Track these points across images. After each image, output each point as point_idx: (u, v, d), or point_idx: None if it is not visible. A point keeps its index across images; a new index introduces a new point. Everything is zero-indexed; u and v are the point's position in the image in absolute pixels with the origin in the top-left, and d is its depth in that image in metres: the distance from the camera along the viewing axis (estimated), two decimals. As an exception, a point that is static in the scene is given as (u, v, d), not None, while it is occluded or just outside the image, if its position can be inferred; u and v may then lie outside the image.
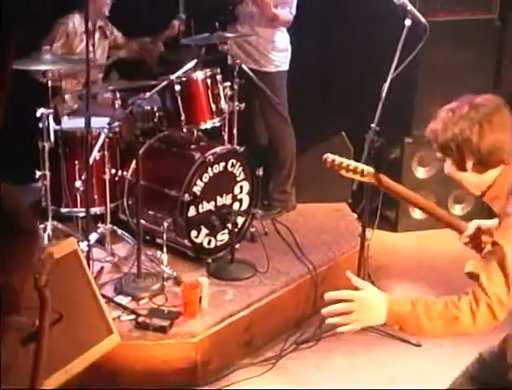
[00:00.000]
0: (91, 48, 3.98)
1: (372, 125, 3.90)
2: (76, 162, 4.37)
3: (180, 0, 4.92)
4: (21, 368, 2.73)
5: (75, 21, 4.86)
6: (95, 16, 4.73)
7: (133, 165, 4.34)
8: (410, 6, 3.92)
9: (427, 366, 3.85)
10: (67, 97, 4.71)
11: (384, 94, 3.90)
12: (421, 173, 5.34)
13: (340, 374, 3.81)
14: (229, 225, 4.33)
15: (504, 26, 5.22)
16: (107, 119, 4.27)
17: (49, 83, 4.11)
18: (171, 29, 5.17)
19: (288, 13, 4.84)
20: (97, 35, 4.90)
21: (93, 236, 4.26)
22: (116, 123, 4.32)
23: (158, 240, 4.32)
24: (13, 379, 2.70)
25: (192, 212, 4.28)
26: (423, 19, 3.93)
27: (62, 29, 4.82)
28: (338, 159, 3.12)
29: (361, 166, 3.10)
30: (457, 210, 5.45)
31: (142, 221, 4.22)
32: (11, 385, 2.69)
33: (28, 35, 4.65)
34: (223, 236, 4.43)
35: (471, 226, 2.89)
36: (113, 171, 4.41)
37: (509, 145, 2.43)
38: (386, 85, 3.90)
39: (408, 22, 3.89)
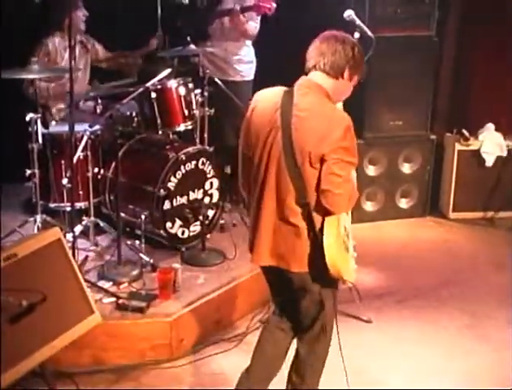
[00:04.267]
0: (73, 60, 3.92)
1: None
2: (63, 161, 4.33)
3: (158, 19, 4.85)
4: (8, 346, 2.67)
5: (56, 40, 4.78)
6: (73, 32, 4.64)
7: (114, 164, 4.29)
8: (358, 22, 3.89)
9: (377, 339, 3.83)
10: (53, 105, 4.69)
11: (335, 99, 3.86)
12: (371, 171, 5.33)
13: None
14: (201, 217, 4.29)
15: (440, 41, 5.29)
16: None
17: (37, 91, 4.04)
18: (150, 46, 5.11)
19: (254, 27, 4.83)
20: (77, 48, 4.80)
21: (78, 228, 4.20)
22: (98, 127, 4.28)
23: (137, 231, 4.27)
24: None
25: (167, 205, 4.23)
26: (369, 33, 3.90)
27: (43, 49, 4.72)
28: None
29: None
30: (403, 203, 5.46)
31: (122, 214, 4.18)
32: None
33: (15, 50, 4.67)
34: (196, 227, 4.39)
35: None
36: (96, 169, 4.37)
37: None
38: (337, 91, 3.86)
39: (357, 35, 3.86)
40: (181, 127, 4.40)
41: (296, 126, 2.60)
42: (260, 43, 5.03)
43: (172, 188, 4.24)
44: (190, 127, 4.46)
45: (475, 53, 5.44)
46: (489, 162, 5.33)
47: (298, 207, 2.62)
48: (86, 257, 4.16)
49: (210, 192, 4.47)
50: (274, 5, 4.60)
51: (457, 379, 3.47)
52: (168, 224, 4.27)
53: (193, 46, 4.59)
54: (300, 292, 2.78)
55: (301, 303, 2.82)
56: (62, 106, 4.77)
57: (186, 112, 4.38)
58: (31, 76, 4.04)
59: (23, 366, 2.73)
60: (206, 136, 4.69)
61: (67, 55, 4.78)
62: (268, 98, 2.75)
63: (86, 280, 3.56)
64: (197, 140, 4.64)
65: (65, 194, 4.29)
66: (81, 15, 4.76)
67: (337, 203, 2.62)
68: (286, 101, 2.65)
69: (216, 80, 4.68)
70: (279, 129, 2.63)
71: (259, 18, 4.83)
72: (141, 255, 4.12)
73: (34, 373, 2.95)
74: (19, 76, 4.08)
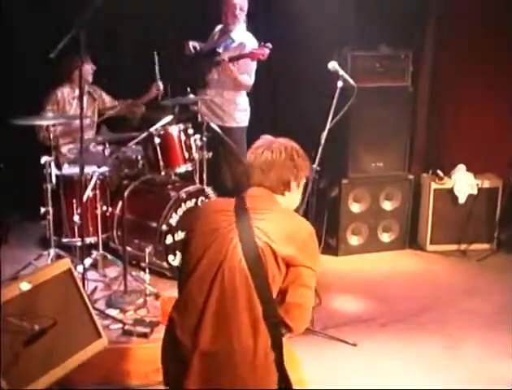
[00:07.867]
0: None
1: (314, 166, 3.88)
2: (74, 200, 4.36)
3: (156, 70, 4.90)
4: (22, 367, 2.63)
5: (64, 91, 4.86)
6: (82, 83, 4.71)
7: (121, 202, 4.30)
8: (341, 72, 3.94)
9: (361, 360, 3.79)
10: (64, 149, 4.72)
11: (323, 140, 3.89)
12: (355, 208, 5.34)
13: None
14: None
15: (415, 91, 5.32)
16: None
17: (51, 135, 4.07)
18: (150, 94, 5.12)
19: (248, 79, 4.87)
20: (85, 98, 4.85)
21: (88, 261, 4.20)
22: (106, 168, 4.30)
23: (142, 264, 4.27)
24: (15, 377, 2.60)
25: (169, 240, 4.24)
26: (351, 81, 3.96)
27: (53, 98, 4.82)
28: None
29: None
30: (385, 237, 5.45)
31: (128, 248, 4.19)
32: (14, 383, 2.59)
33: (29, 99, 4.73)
34: (195, 260, 4.37)
35: None
36: (104, 207, 4.39)
37: None
38: (324, 134, 3.89)
39: (340, 83, 3.91)
40: (182, 169, 4.44)
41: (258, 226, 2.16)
42: (253, 92, 5.08)
43: (174, 224, 4.25)
44: (190, 169, 4.49)
45: (447, 102, 5.51)
46: (462, 199, 5.36)
47: (261, 325, 2.12)
48: (95, 287, 4.14)
49: (208, 227, 4.46)
50: (267, 51, 4.62)
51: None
52: (170, 257, 4.26)
53: (192, 96, 4.64)
54: None
55: None
56: (71, 146, 4.79)
57: (186, 155, 4.42)
58: (45, 123, 4.08)
59: (37, 385, 2.70)
60: (204, 177, 4.70)
61: (75, 104, 4.84)
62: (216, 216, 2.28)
63: (95, 308, 3.55)
64: (197, 181, 4.66)
65: (76, 230, 4.32)
66: (89, 68, 4.84)
67: (304, 320, 2.20)
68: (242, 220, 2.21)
69: (213, 125, 4.73)
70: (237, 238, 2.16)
71: (254, 71, 4.87)
72: (146, 285, 4.11)
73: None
74: (33, 123, 4.12)
